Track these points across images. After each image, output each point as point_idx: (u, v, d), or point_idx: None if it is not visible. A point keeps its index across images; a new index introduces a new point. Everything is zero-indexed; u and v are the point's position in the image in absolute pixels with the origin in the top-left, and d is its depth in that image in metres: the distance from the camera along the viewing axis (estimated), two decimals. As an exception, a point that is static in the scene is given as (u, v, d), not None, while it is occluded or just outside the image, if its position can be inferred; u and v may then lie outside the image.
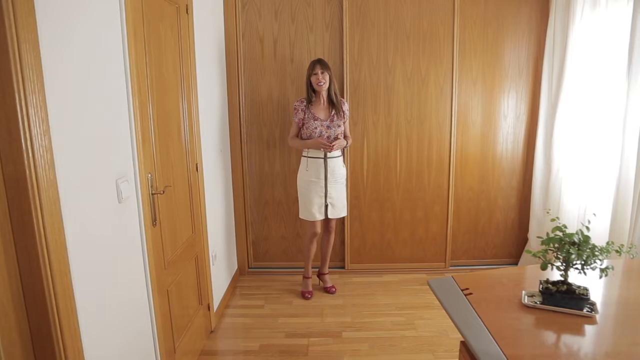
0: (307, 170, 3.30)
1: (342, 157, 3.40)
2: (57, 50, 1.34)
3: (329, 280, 3.67)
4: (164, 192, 2.12)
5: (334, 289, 3.59)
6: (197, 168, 2.70)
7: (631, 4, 2.61)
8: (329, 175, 3.28)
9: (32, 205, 1.22)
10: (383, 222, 3.88)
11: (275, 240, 3.95)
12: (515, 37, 3.67)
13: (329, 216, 3.37)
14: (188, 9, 2.56)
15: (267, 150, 3.78)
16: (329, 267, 3.74)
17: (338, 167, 3.34)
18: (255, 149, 3.78)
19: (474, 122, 3.78)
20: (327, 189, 3.31)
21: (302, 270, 3.81)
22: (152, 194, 2.00)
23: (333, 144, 3.17)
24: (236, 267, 3.89)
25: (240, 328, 3.07)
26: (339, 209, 3.43)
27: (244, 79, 3.67)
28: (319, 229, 3.42)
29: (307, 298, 3.48)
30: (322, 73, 3.16)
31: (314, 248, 3.52)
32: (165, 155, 2.20)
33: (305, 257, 3.56)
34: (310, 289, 3.57)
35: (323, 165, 3.27)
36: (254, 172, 3.82)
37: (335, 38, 3.61)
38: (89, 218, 1.51)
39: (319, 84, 3.17)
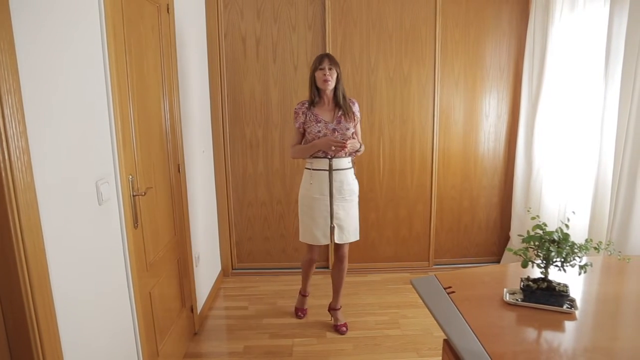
0: (312, 184, 2.77)
1: (352, 168, 2.85)
2: (34, 49, 1.31)
3: (342, 317, 3.07)
4: (145, 193, 2.10)
5: (345, 329, 2.98)
6: (179, 169, 2.68)
7: (608, 4, 2.66)
8: (334, 192, 2.75)
9: (9, 209, 1.19)
10: (367, 221, 3.89)
11: (259, 241, 3.93)
12: (496, 38, 3.71)
13: (336, 241, 2.82)
14: (169, 9, 2.53)
15: (250, 150, 3.76)
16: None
17: (347, 181, 2.79)
18: (238, 149, 3.76)
19: (456, 121, 3.81)
20: (333, 208, 2.77)
21: (287, 270, 3.82)
22: (133, 196, 1.97)
23: (347, 142, 2.62)
24: (220, 268, 3.86)
25: (224, 330, 3.05)
26: (349, 232, 2.85)
27: (227, 79, 3.65)
28: (317, 255, 2.99)
29: (299, 317, 3.16)
30: (329, 69, 2.68)
31: (312, 270, 3.13)
32: (146, 156, 2.18)
33: (303, 276, 3.17)
34: (305, 307, 3.22)
35: (328, 179, 2.74)
36: (237, 172, 3.80)
37: (318, 38, 3.61)
38: (69, 221, 1.49)
39: (325, 80, 2.67)
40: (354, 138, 2.78)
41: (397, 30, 3.63)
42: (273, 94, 3.68)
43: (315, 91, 2.77)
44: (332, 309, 3.09)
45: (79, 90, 1.57)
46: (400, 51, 3.66)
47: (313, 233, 2.81)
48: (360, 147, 2.84)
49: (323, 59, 2.71)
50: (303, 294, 3.22)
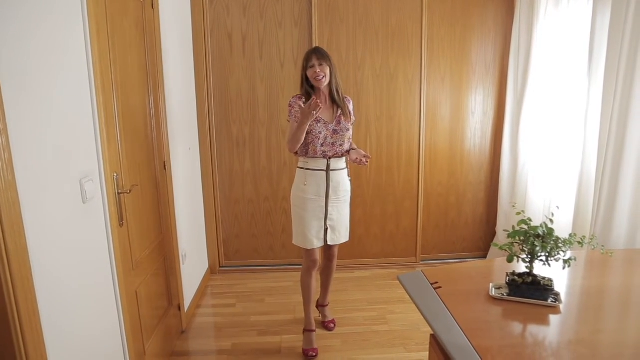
0: (306, 185, 2.61)
1: (347, 169, 2.73)
2: (15, 44, 1.29)
3: (330, 313, 3.06)
4: (130, 191, 2.08)
5: (332, 325, 2.97)
6: (165, 166, 2.66)
7: (591, 1, 2.69)
8: (331, 193, 2.62)
9: (-10, 207, 1.17)
10: (354, 217, 3.88)
11: (246, 238, 3.92)
12: (482, 35, 3.74)
13: (329, 242, 2.70)
14: (154, 5, 2.51)
15: (237, 148, 3.75)
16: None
17: (343, 181, 2.67)
18: (225, 146, 3.74)
19: (442, 118, 3.83)
20: (328, 210, 2.65)
21: (274, 267, 3.80)
22: (119, 194, 1.95)
23: (316, 99, 2.30)
24: (207, 266, 3.84)
25: (212, 328, 3.03)
26: (341, 233, 2.75)
27: (213, 76, 3.62)
28: (318, 256, 2.74)
29: (311, 357, 2.66)
30: (319, 65, 2.49)
31: (314, 283, 2.78)
32: (131, 153, 2.16)
33: (305, 297, 2.79)
34: (315, 345, 2.73)
35: (325, 179, 2.60)
36: (224, 170, 3.78)
37: (305, 34, 3.60)
38: (52, 219, 1.47)
39: (317, 78, 2.49)
40: (349, 138, 2.64)
41: (384, 26, 3.63)
42: (260, 91, 3.66)
43: (310, 89, 2.59)
44: (321, 305, 3.06)
45: (62, 87, 1.54)
46: (387, 48, 3.66)
47: (306, 236, 2.65)
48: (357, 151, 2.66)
49: (311, 56, 2.52)
50: (308, 329, 2.78)
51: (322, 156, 2.59)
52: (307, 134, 2.55)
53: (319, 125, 2.55)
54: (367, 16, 3.61)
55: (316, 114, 2.36)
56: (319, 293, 3.06)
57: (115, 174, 1.93)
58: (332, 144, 2.59)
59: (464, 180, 3.98)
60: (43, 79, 1.44)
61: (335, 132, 2.58)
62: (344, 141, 2.61)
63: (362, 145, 3.77)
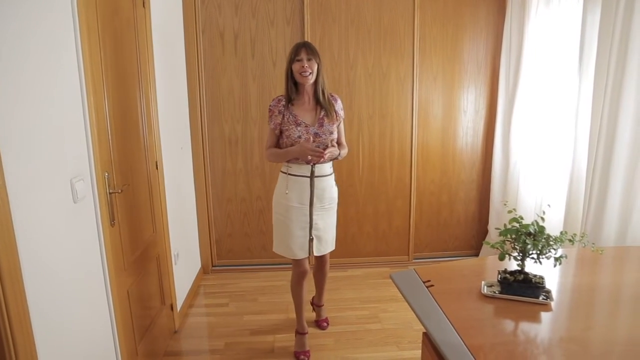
0: (288, 193, 2.46)
1: (333, 174, 2.58)
2: (2, 43, 1.27)
3: (323, 312, 2.99)
4: (122, 191, 2.07)
5: (325, 324, 2.94)
6: (157, 166, 2.64)
7: (582, 0, 2.70)
8: (315, 200, 2.46)
9: (-21, 207, 1.16)
10: (346, 216, 3.90)
11: (238, 237, 3.91)
12: (473, 34, 3.75)
13: (315, 253, 2.56)
14: (145, 3, 2.49)
15: (229, 147, 3.73)
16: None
17: (328, 188, 2.52)
18: (217, 146, 3.73)
19: (434, 116, 3.84)
20: (313, 218, 2.49)
21: (267, 267, 3.79)
22: (110, 193, 1.94)
23: (325, 152, 2.30)
24: (199, 265, 3.83)
25: (204, 327, 3.03)
26: (326, 242, 2.61)
27: (205, 75, 3.61)
28: (307, 265, 2.61)
29: None
30: (308, 60, 2.34)
31: (304, 291, 2.68)
32: (123, 153, 2.14)
33: (295, 304, 2.71)
34: (307, 348, 2.67)
35: (309, 185, 2.44)
36: (216, 169, 3.77)
37: (297, 33, 3.60)
38: (42, 219, 1.45)
39: (304, 73, 2.34)
40: (334, 145, 2.42)
41: (376, 25, 3.64)
42: (252, 89, 3.65)
43: (293, 86, 2.44)
44: (316, 305, 3.01)
45: (52, 86, 1.53)
46: (379, 47, 3.67)
47: (289, 246, 2.50)
48: (340, 153, 2.49)
49: (300, 49, 2.35)
50: (300, 332, 2.72)
51: (304, 162, 2.41)
52: (286, 137, 2.43)
53: (299, 128, 2.40)
54: (359, 15, 3.61)
55: (310, 159, 2.33)
56: (315, 292, 3.02)
57: (107, 174, 1.92)
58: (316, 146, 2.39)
59: (456, 179, 3.99)
60: (33, 77, 1.42)
61: (317, 135, 2.41)
62: (327, 145, 2.40)
63: (354, 144, 3.77)
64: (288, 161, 2.46)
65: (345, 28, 3.62)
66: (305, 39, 3.56)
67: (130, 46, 2.29)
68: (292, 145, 2.41)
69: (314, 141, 2.39)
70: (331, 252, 2.75)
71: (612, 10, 2.37)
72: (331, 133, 2.44)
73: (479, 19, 3.73)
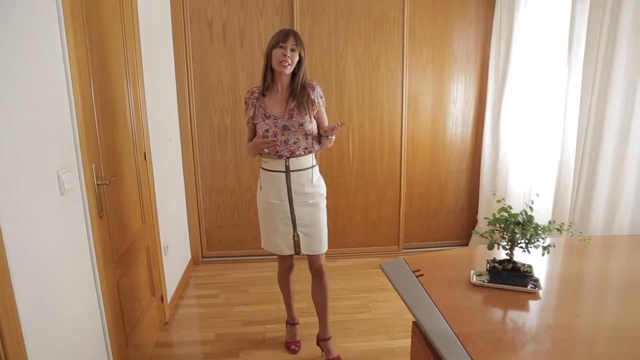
0: (262, 189, 2.38)
1: (315, 166, 2.39)
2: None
3: (334, 348, 2.53)
4: (110, 182, 2.05)
5: None
6: (145, 157, 2.62)
7: (571, -10, 2.70)
8: (295, 196, 2.31)
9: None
10: (337, 207, 3.90)
11: (228, 228, 3.90)
12: (463, 24, 3.74)
13: (304, 251, 2.38)
14: (131, -9, 2.45)
15: (218, 137, 3.71)
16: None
17: (307, 182, 2.32)
18: (206, 136, 3.70)
19: (424, 107, 3.84)
20: (295, 214, 2.33)
21: (257, 257, 3.79)
22: (98, 185, 1.92)
23: (276, 140, 2.21)
24: (190, 257, 3.82)
25: (195, 318, 3.03)
26: (317, 241, 2.38)
27: (193, 65, 3.57)
28: (293, 260, 2.55)
29: (293, 351, 2.61)
30: (292, 50, 2.17)
31: (291, 283, 2.63)
32: (110, 144, 2.12)
33: (284, 296, 2.67)
34: (298, 338, 2.68)
35: (284, 181, 2.30)
36: (205, 160, 3.75)
37: (286, 23, 3.56)
38: (28, 212, 1.43)
39: (283, 62, 2.17)
40: (310, 133, 2.28)
41: (366, 15, 3.62)
42: (241, 79, 3.63)
43: (270, 74, 2.28)
44: (322, 339, 2.55)
45: (36, 77, 1.50)
46: (369, 37, 3.65)
47: (275, 242, 2.40)
48: (319, 146, 2.37)
49: (288, 36, 2.17)
50: (291, 323, 2.71)
51: (276, 157, 2.29)
52: (258, 129, 2.30)
53: (267, 121, 2.26)
54: (349, 5, 3.59)
55: (268, 152, 2.24)
56: (318, 321, 2.57)
57: (94, 165, 1.90)
58: (285, 142, 2.24)
59: (446, 169, 4.01)
60: (15, 67, 1.39)
61: (285, 128, 2.24)
62: (298, 138, 2.25)
63: (344, 135, 3.77)
64: (262, 155, 2.34)
65: (335, 18, 3.60)
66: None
67: (116, 35, 2.25)
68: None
69: (282, 135, 2.25)
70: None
71: (601, 1, 2.38)
72: (301, 125, 2.24)
73: (469, 9, 3.73)
